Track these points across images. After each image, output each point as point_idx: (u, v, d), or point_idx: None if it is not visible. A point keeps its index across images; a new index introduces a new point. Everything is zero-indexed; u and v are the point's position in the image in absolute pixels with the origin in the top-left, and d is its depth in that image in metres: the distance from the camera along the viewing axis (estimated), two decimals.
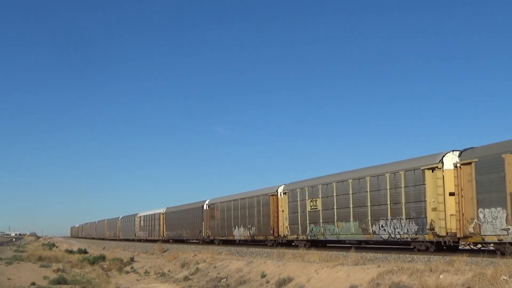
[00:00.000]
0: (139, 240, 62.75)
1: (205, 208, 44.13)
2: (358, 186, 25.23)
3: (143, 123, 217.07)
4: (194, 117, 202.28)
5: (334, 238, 27.07)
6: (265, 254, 27.23)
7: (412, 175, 22.00)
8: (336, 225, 26.62)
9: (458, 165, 19.96)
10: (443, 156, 20.76)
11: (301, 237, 29.79)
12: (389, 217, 23.07)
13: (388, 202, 23.16)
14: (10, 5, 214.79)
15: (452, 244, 20.20)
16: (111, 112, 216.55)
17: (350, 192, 25.67)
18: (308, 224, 29.02)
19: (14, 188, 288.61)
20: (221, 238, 40.81)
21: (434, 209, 20.66)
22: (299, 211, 30.01)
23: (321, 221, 27.86)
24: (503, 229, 17.94)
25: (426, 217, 21.05)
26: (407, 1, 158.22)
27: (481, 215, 18.82)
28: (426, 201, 21.13)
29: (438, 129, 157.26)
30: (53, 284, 24.39)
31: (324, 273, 17.41)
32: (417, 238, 21.62)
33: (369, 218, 24.27)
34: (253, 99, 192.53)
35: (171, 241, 52.31)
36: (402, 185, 22.43)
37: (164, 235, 54.54)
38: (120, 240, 72.24)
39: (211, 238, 42.46)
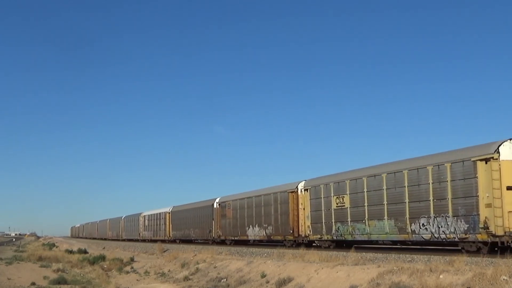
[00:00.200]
0: (143, 241, 60.33)
1: (215, 206, 41.65)
2: (393, 181, 22.78)
3: (143, 123, 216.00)
4: (194, 117, 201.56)
5: (364, 238, 24.61)
6: (265, 254, 26.61)
7: (461, 167, 19.54)
8: (367, 224, 24.16)
9: None
10: (500, 145, 18.31)
11: (325, 237, 27.34)
12: (431, 214, 20.61)
13: (431, 198, 20.69)
14: (10, 5, 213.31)
15: (511, 244, 17.73)
16: (111, 112, 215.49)
17: (384, 187, 23.22)
18: (333, 223, 26.58)
19: (14, 188, 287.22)
20: (233, 238, 38.33)
21: (489, 205, 18.21)
22: (323, 208, 27.57)
23: (349, 219, 25.42)
24: None
25: (478, 215, 18.58)
26: (407, 1, 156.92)
27: None
28: (478, 196, 18.66)
29: (438, 129, 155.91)
30: (53, 284, 24.07)
31: (324, 273, 17.24)
32: (466, 238, 19.15)
33: (407, 216, 21.82)
34: (253, 99, 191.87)
35: (178, 241, 49.87)
36: (448, 179, 19.96)
37: (170, 235, 52.07)
38: (123, 240, 69.79)
39: (222, 238, 39.99)
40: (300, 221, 29.91)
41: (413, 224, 21.52)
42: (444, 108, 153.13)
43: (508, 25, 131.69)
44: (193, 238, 46.50)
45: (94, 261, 36.98)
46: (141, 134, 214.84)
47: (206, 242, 43.38)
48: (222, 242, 39.91)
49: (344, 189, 25.93)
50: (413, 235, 21.54)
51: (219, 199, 41.54)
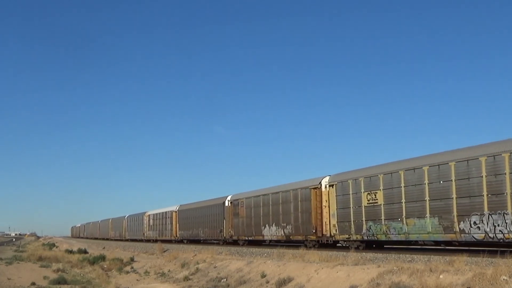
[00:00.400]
0: (148, 241, 57.85)
1: (226, 204, 39.18)
2: (437, 174, 20.34)
3: (143, 123, 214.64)
4: (194, 117, 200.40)
5: (401, 238, 22.16)
6: (265, 254, 26.30)
7: None
8: (404, 222, 21.72)
9: None
10: None
11: (354, 237, 24.89)
12: (485, 211, 18.17)
13: (484, 193, 18.26)
14: (11, 5, 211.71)
15: None
16: (111, 112, 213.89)
17: (426, 181, 20.79)
18: (364, 222, 24.14)
19: (14, 188, 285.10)
20: (247, 238, 35.86)
21: None
22: (351, 206, 25.13)
23: (382, 217, 22.97)
24: None
25: None
26: (407, 1, 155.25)
27: None
28: None
29: (438, 129, 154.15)
30: (53, 284, 24.02)
31: (324, 273, 17.18)
32: None
33: (455, 213, 19.38)
34: (253, 99, 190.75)
35: (185, 241, 47.40)
36: (507, 171, 17.54)
37: (177, 235, 49.58)
38: (126, 240, 67.31)
39: (235, 238, 37.50)
40: (324, 220, 27.46)
41: (461, 222, 19.08)
42: (444, 108, 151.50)
43: (508, 25, 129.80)
44: (202, 238, 43.98)
45: (94, 261, 36.89)
46: (141, 134, 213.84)
47: (216, 242, 40.89)
48: (235, 243, 37.47)
49: (377, 184, 23.49)
50: (462, 235, 19.08)
51: (231, 197, 39.05)
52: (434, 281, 13.00)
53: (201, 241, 44.20)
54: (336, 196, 26.47)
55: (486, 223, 18.11)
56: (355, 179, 25.07)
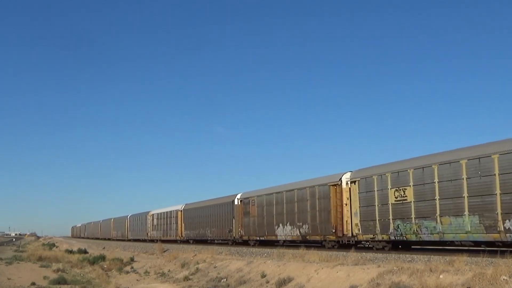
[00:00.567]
0: (152, 241, 55.98)
1: (236, 203, 37.37)
2: (477, 168, 18.53)
3: (144, 123, 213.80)
4: (194, 117, 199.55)
5: (434, 238, 20.29)
6: (265, 254, 26.17)
7: None
8: (438, 221, 19.88)
9: None
10: None
11: (379, 237, 23.05)
12: None
13: None
14: (11, 5, 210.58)
15: None
16: (111, 112, 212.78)
17: (464, 176, 18.96)
18: (391, 221, 22.31)
19: (14, 188, 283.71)
20: (258, 238, 34.01)
21: None
22: (376, 203, 23.30)
23: (413, 216, 21.15)
24: None
25: None
26: (407, 1, 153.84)
27: None
28: None
29: (438, 129, 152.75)
30: (53, 284, 24.00)
31: (324, 273, 17.16)
32: None
33: (499, 211, 17.55)
34: (253, 99, 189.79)
35: (191, 241, 45.57)
36: None
37: (183, 235, 47.73)
38: (129, 240, 65.47)
39: (245, 238, 35.66)
40: (345, 219, 25.64)
41: (507, 221, 17.25)
42: (444, 108, 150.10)
43: (508, 25, 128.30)
44: (209, 239, 42.12)
45: (94, 261, 36.79)
46: (141, 134, 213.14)
47: (225, 242, 39.05)
48: (245, 243, 35.64)
49: (406, 179, 21.67)
50: (508, 235, 17.25)
51: (241, 195, 37.24)
52: (434, 281, 12.94)
53: (208, 241, 42.38)
54: (358, 193, 24.64)
55: None
56: (381, 175, 23.24)
